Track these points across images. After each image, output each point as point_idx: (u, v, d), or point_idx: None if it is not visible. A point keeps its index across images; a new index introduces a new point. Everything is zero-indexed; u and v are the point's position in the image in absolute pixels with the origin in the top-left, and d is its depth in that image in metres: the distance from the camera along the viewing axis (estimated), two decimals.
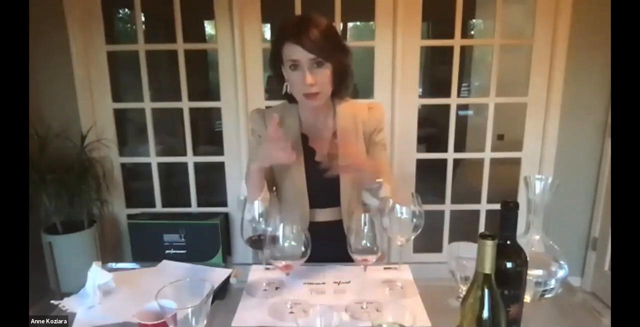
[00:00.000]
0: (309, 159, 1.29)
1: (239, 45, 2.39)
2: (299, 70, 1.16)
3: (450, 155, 2.59)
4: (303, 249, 0.95)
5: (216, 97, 2.55)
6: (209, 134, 3.90)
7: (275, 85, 1.31)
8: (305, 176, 1.29)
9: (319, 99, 1.20)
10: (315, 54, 1.13)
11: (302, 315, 0.83)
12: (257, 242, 1.04)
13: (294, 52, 1.14)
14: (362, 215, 0.95)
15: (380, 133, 1.35)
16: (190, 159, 2.61)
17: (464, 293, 0.74)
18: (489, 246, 0.66)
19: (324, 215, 1.32)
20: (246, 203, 1.07)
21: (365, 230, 0.96)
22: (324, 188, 1.29)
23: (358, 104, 1.36)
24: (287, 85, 1.25)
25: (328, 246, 1.21)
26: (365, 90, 2.54)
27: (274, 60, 1.23)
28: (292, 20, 1.20)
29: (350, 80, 1.29)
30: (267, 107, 1.43)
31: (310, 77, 1.14)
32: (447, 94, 2.51)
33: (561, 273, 0.98)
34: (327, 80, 1.18)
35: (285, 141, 1.10)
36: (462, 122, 3.55)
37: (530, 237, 0.97)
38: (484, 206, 2.64)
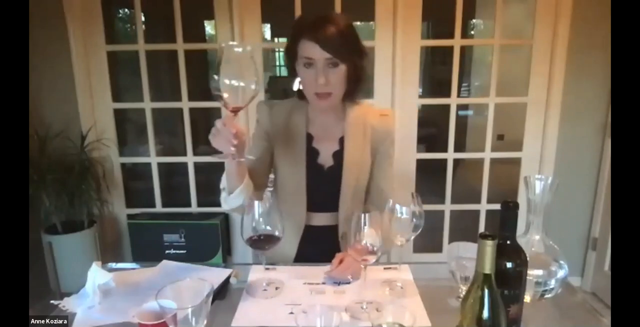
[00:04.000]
0: (312, 159, 1.26)
1: None
2: (312, 68, 1.12)
3: (450, 155, 2.59)
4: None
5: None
6: (208, 134, 3.89)
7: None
8: (305, 176, 1.25)
9: (330, 100, 1.17)
10: (331, 54, 1.10)
11: (302, 315, 0.83)
12: (257, 242, 1.04)
13: (310, 50, 1.10)
14: (362, 215, 0.95)
15: (392, 145, 1.32)
16: (190, 159, 2.61)
17: (464, 293, 0.74)
18: (489, 246, 0.66)
19: (321, 219, 1.29)
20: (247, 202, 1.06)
21: (365, 230, 0.95)
22: (324, 191, 1.26)
23: (370, 108, 1.32)
24: (299, 82, 1.21)
25: (321, 250, 1.20)
26: (365, 90, 2.54)
27: (288, 55, 1.20)
28: (311, 16, 1.15)
29: (364, 82, 1.25)
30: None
31: (323, 77, 1.11)
32: (447, 94, 2.51)
33: (561, 273, 0.97)
34: (341, 81, 1.15)
35: (232, 134, 0.98)
36: (462, 122, 3.55)
37: (530, 237, 0.97)
38: (484, 206, 2.64)
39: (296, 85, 1.22)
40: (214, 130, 1.01)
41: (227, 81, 0.95)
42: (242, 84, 0.96)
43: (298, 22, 1.17)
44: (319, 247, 1.26)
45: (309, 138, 1.27)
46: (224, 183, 1.14)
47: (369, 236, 0.95)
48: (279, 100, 1.32)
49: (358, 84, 1.23)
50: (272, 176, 1.35)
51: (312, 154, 1.26)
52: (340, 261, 1.12)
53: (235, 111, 0.98)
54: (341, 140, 1.27)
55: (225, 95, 0.96)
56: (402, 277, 1.12)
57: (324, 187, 1.26)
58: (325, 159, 1.27)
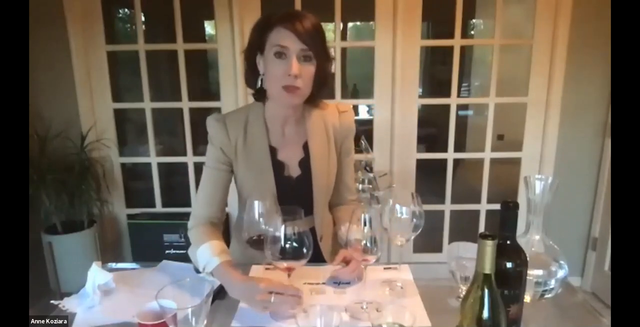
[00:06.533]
0: (279, 173, 1.20)
1: (239, 45, 2.39)
2: (284, 59, 1.05)
3: (450, 155, 2.59)
4: (305, 250, 0.95)
5: (216, 97, 2.55)
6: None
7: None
8: (276, 192, 1.19)
9: (299, 95, 1.10)
10: (307, 44, 1.04)
11: (302, 315, 0.83)
12: (257, 242, 1.03)
13: (284, 37, 1.04)
14: (362, 215, 0.95)
15: (351, 141, 1.29)
16: (190, 159, 2.61)
17: (464, 293, 0.74)
18: (489, 246, 0.66)
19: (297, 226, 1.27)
20: (247, 204, 1.06)
21: (365, 230, 0.95)
22: (295, 201, 1.18)
23: (327, 107, 1.26)
24: (262, 79, 1.14)
25: None
26: (365, 90, 2.55)
27: (253, 47, 1.12)
28: (282, 10, 1.10)
29: (327, 88, 1.19)
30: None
31: (297, 66, 1.04)
32: (447, 94, 2.51)
33: (561, 273, 0.97)
34: (310, 78, 1.09)
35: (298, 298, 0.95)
36: (462, 122, 3.56)
37: (530, 237, 0.97)
38: (484, 206, 2.64)
39: (258, 83, 1.16)
40: (269, 303, 0.93)
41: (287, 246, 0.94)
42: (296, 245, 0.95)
43: (268, 15, 1.09)
44: None
45: (273, 151, 1.20)
46: (195, 257, 1.09)
47: (358, 232, 0.95)
48: (229, 112, 1.26)
49: (322, 88, 1.17)
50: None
51: (278, 168, 1.20)
52: (343, 259, 1.12)
53: (291, 270, 0.98)
54: (305, 146, 1.22)
55: (284, 263, 0.95)
56: (402, 277, 1.12)
57: (295, 197, 1.19)
58: (293, 169, 1.22)
